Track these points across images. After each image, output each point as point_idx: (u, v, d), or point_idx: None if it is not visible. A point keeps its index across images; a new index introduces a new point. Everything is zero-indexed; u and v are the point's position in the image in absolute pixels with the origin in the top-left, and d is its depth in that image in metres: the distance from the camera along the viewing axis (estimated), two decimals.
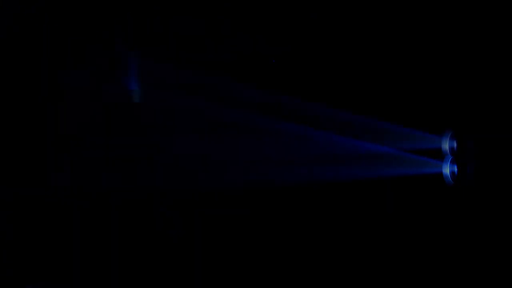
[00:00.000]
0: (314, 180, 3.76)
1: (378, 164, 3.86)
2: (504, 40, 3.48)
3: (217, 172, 3.27)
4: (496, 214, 3.51)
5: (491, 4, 3.50)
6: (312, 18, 3.79)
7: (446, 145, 3.61)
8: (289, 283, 3.64)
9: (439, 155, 3.65)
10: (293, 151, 3.74)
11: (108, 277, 2.91)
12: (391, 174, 3.80)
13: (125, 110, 3.15)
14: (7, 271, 2.82)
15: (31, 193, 2.94)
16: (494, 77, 3.54)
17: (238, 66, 3.73)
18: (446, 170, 3.61)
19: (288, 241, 3.78)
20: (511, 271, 3.39)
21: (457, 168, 3.58)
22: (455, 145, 3.57)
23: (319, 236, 3.84)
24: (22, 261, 2.84)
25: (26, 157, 3.09)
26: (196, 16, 3.67)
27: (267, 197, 3.69)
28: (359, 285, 3.70)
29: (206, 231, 3.28)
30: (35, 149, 3.07)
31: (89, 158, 2.90)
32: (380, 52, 3.77)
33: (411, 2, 3.68)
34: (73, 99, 3.07)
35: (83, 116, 3.01)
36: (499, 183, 3.52)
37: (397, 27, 3.67)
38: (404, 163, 3.77)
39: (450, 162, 3.60)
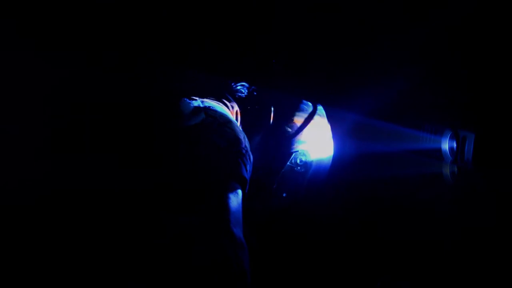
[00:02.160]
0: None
1: (378, 164, 3.87)
2: (504, 40, 3.48)
3: None
4: (496, 214, 3.52)
5: (490, 6, 3.51)
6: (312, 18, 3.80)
7: (446, 145, 3.62)
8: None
9: (439, 155, 3.65)
10: None
11: (109, 277, 2.90)
12: (391, 174, 3.81)
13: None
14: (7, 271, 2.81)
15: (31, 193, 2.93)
16: (493, 77, 3.54)
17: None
18: (446, 170, 3.62)
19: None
20: (511, 271, 3.40)
21: (457, 168, 3.58)
22: (455, 145, 3.57)
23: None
24: (22, 261, 2.83)
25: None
26: (196, 16, 3.68)
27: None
28: (360, 284, 3.70)
29: None
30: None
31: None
32: (380, 51, 3.78)
33: (410, 2, 3.69)
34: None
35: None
36: (499, 183, 3.53)
37: (398, 26, 3.68)
38: (404, 163, 3.78)
39: (450, 162, 3.60)
